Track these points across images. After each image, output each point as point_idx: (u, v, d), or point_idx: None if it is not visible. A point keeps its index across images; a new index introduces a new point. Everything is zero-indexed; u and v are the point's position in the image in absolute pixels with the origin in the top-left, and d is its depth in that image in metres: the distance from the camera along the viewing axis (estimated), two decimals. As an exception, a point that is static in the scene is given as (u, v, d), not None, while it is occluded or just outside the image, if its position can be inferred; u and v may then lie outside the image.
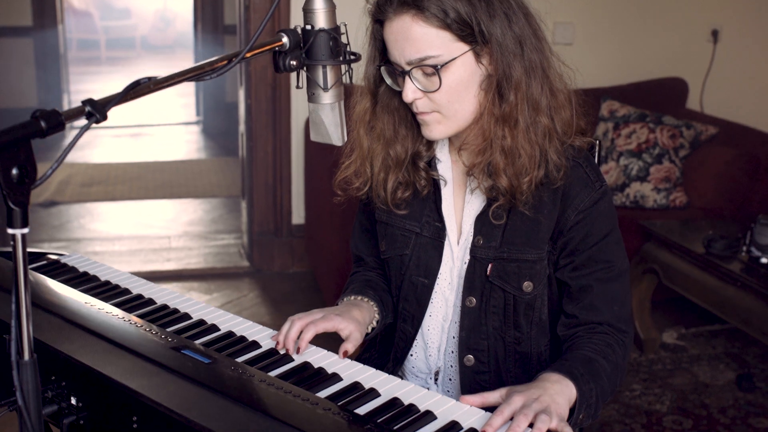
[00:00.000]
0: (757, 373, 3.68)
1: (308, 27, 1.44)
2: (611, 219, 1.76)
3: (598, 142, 1.95)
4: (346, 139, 1.52)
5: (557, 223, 1.73)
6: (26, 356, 1.15)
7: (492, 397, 1.49)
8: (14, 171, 1.08)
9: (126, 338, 1.56)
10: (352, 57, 1.48)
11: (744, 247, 3.32)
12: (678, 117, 4.49)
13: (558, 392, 1.51)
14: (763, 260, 3.23)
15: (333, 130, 1.50)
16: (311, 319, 1.66)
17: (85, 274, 1.97)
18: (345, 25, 1.48)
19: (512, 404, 1.43)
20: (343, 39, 1.49)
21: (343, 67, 1.51)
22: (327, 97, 1.47)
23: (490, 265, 1.75)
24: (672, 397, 3.46)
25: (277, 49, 1.40)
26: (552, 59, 1.69)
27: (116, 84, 11.46)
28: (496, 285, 1.75)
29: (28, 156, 1.10)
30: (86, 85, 10.91)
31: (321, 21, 1.43)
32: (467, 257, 1.78)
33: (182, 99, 10.31)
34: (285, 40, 1.40)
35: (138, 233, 5.42)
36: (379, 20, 1.68)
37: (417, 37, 1.60)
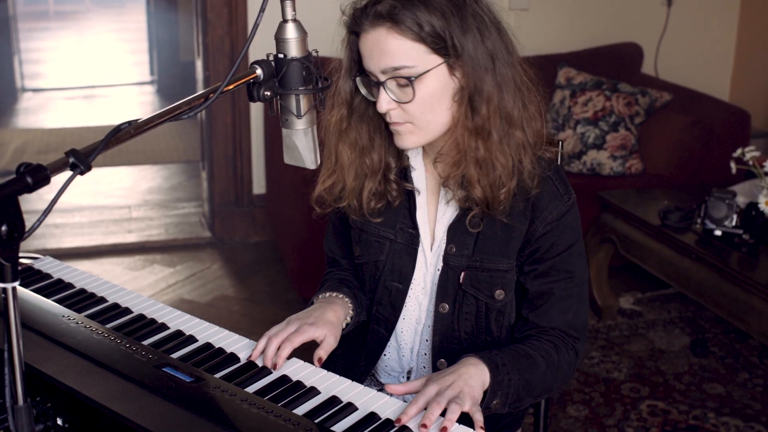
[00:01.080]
0: (710, 337, 3.80)
1: (280, 56, 1.47)
2: (576, 230, 1.82)
3: (561, 143, 2.00)
4: (319, 162, 1.56)
5: (526, 233, 1.79)
6: (20, 402, 1.18)
7: (414, 385, 1.60)
8: (3, 228, 1.11)
9: (108, 356, 1.60)
10: (324, 83, 1.51)
11: (698, 219, 3.41)
12: (633, 83, 4.56)
13: (472, 375, 1.61)
14: (717, 233, 3.32)
15: (306, 154, 1.53)
16: (286, 334, 1.71)
17: (60, 281, 2.00)
18: (317, 51, 1.51)
19: (426, 393, 1.53)
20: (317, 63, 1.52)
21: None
22: (300, 123, 1.51)
23: (462, 273, 1.81)
24: (629, 364, 3.57)
25: (251, 80, 1.43)
26: (522, 72, 1.74)
27: (67, 41, 11.32)
28: (468, 293, 1.81)
29: (16, 211, 1.13)
30: (36, 42, 10.74)
31: (293, 50, 1.46)
32: (440, 264, 1.84)
33: (135, 57, 10.22)
34: (259, 72, 1.43)
35: (98, 203, 5.41)
36: (354, 32, 1.72)
37: (392, 49, 1.64)
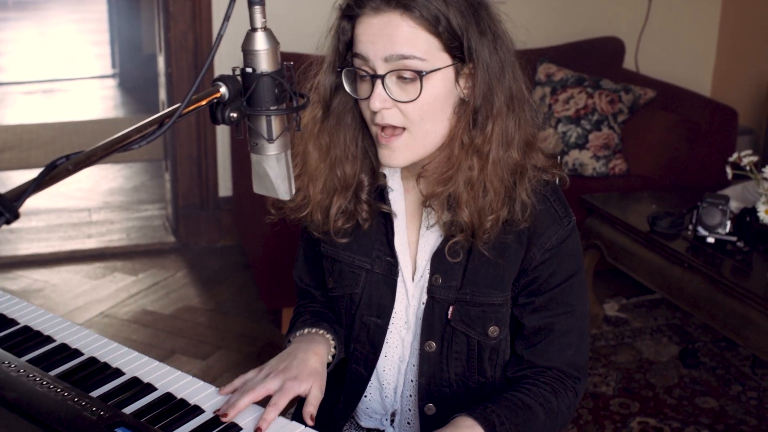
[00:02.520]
0: (700, 346, 3.63)
1: (249, 70, 1.26)
2: (577, 258, 1.63)
3: (559, 158, 1.82)
4: (294, 191, 1.35)
5: (522, 261, 1.59)
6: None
7: None
8: None
9: (53, 415, 1.39)
10: (301, 102, 1.30)
11: (690, 225, 3.24)
12: (615, 78, 4.38)
13: None
14: (710, 240, 3.14)
15: (280, 183, 1.32)
16: (264, 390, 1.49)
17: (2, 317, 1.78)
18: (291, 65, 1.30)
19: None
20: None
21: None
22: (272, 148, 1.29)
23: (451, 308, 1.61)
24: (617, 377, 3.39)
25: (215, 100, 1.22)
26: (526, 94, 1.55)
27: (26, 33, 10.99)
28: (458, 330, 1.61)
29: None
30: (-7, 34, 10.42)
31: (263, 63, 1.25)
32: (425, 297, 1.63)
33: (96, 48, 9.92)
34: (223, 90, 1.22)
35: (56, 206, 5.15)
36: (350, 16, 1.50)
37: (403, 36, 1.44)
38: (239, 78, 1.26)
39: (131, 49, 8.17)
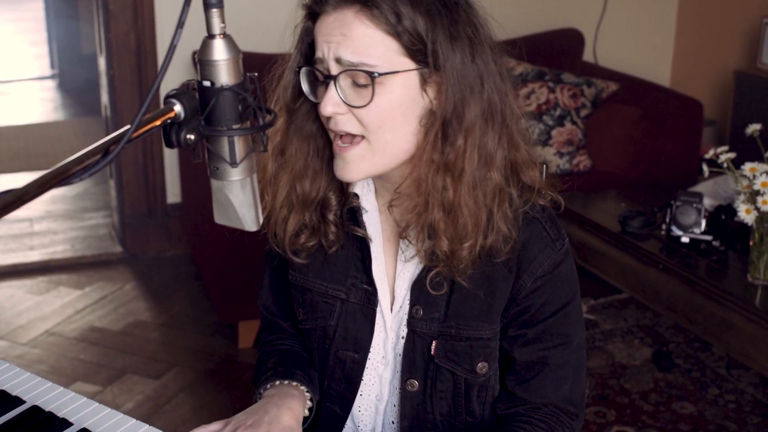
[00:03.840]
0: (673, 348, 3.51)
1: (206, 84, 1.08)
2: (572, 285, 1.48)
3: (545, 166, 1.66)
4: (261, 221, 1.17)
5: (511, 290, 1.44)
6: None
7: None
8: None
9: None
10: (268, 119, 1.12)
11: (663, 224, 3.11)
12: (575, 71, 4.25)
13: None
14: (684, 239, 3.02)
15: (245, 212, 1.14)
16: None
17: (-70, 361, 1.59)
18: (256, 76, 1.12)
19: None
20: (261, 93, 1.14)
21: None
22: (236, 173, 1.12)
23: (434, 343, 1.45)
24: (591, 384, 3.26)
25: (168, 121, 1.04)
26: (516, 108, 1.38)
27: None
28: (443, 367, 1.45)
29: None
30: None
31: (224, 75, 1.07)
32: (404, 330, 1.47)
33: (34, 49, 9.60)
34: (178, 108, 1.04)
35: (-6, 216, 4.90)
36: (313, 14, 1.35)
37: (357, 37, 1.29)
38: (196, 93, 1.08)
39: (70, 49, 7.89)
